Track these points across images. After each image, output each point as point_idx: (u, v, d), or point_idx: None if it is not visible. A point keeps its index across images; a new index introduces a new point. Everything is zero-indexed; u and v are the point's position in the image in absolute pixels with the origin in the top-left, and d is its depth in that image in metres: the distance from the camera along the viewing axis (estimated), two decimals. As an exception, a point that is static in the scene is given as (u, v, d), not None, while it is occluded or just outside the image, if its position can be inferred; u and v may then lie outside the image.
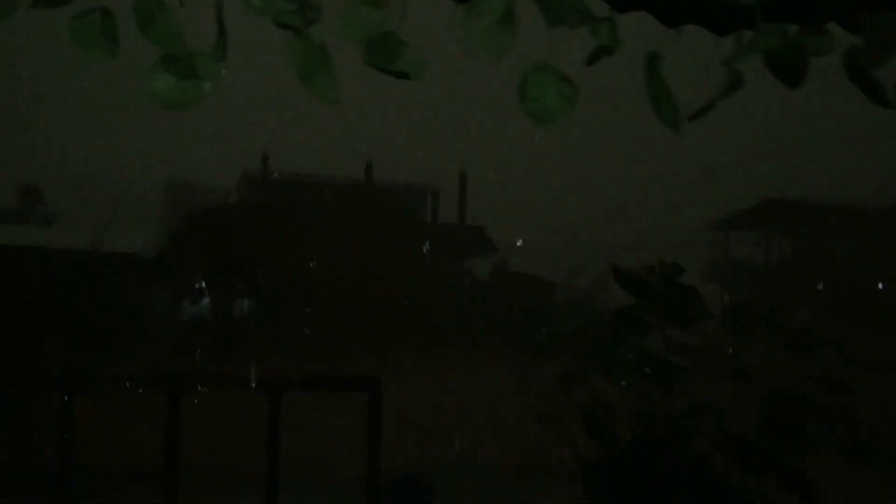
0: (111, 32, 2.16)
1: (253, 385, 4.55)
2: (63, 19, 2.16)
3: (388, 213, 27.22)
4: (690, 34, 2.27)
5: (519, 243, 30.19)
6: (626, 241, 39.76)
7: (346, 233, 25.26)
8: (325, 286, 22.81)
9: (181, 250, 22.71)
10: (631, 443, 3.54)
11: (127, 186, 30.89)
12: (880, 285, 30.38)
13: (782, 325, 3.81)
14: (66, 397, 4.04)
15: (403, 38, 2.19)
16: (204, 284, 23.67)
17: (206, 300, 24.18)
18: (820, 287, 31.79)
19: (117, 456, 12.29)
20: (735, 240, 34.97)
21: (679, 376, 3.56)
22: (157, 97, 2.20)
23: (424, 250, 26.44)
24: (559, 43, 2.20)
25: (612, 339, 3.70)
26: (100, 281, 21.43)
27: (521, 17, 2.19)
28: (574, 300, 26.09)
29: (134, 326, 21.35)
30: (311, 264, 22.71)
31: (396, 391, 13.53)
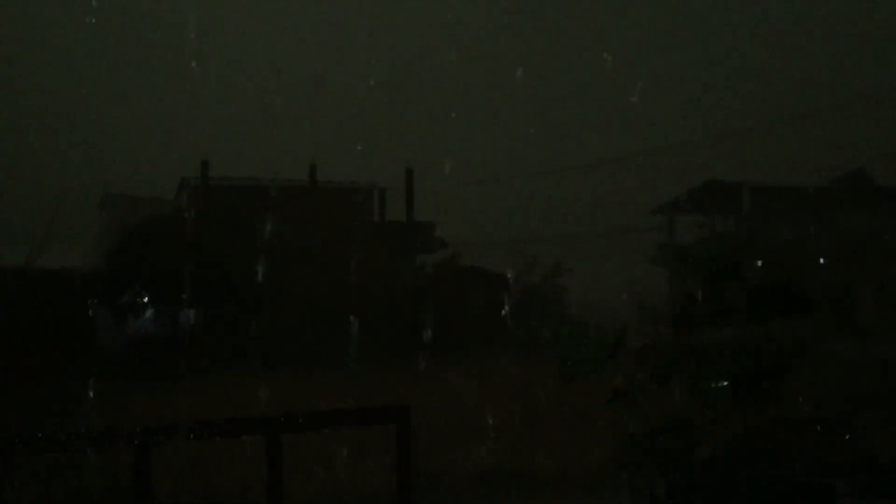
0: None
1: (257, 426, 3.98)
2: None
3: (335, 213, 26.80)
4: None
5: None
6: (575, 230, 39.98)
7: (292, 235, 24.76)
8: (274, 292, 22.30)
9: (121, 263, 21.96)
10: (720, 460, 3.23)
11: (61, 198, 29.86)
12: (822, 261, 31.08)
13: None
14: (143, 449, 3.44)
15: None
16: (146, 297, 22.95)
17: (149, 313, 23.47)
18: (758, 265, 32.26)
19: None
20: (679, 223, 35.43)
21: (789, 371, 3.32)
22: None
23: (372, 248, 26.10)
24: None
25: (695, 347, 3.45)
26: (38, 298, 20.60)
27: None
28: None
29: (80, 343, 20.59)
30: (257, 270, 22.19)
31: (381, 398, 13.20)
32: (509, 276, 28.33)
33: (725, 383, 3.63)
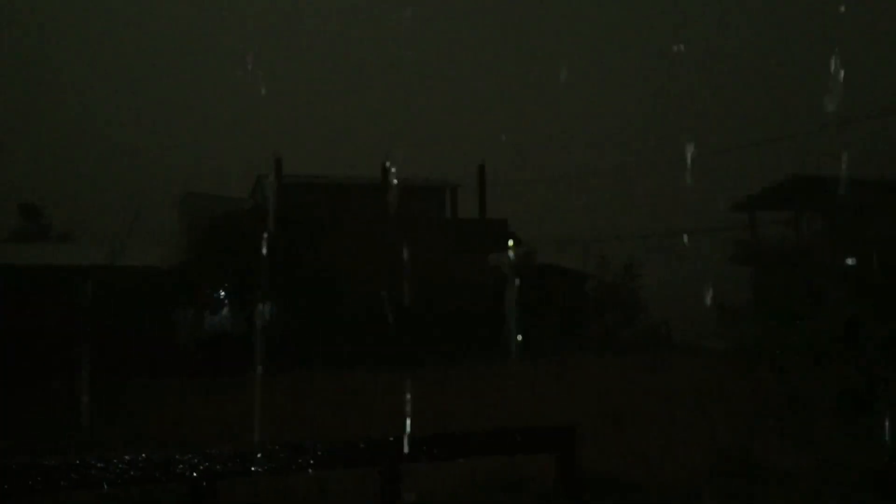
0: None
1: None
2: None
3: (407, 210, 26.66)
4: None
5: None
6: (651, 228, 39.04)
7: (365, 232, 24.73)
8: (347, 290, 22.28)
9: (199, 260, 22.25)
10: None
11: (142, 200, 30.47)
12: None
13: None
14: (206, 489, 2.55)
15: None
16: (223, 295, 23.22)
17: (225, 310, 23.75)
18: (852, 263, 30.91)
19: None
20: (762, 219, 34.15)
21: None
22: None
23: (447, 246, 25.86)
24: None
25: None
26: (121, 294, 21.04)
27: None
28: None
29: (159, 339, 20.95)
30: (331, 267, 22.18)
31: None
32: (584, 274, 27.75)
33: None
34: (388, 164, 28.30)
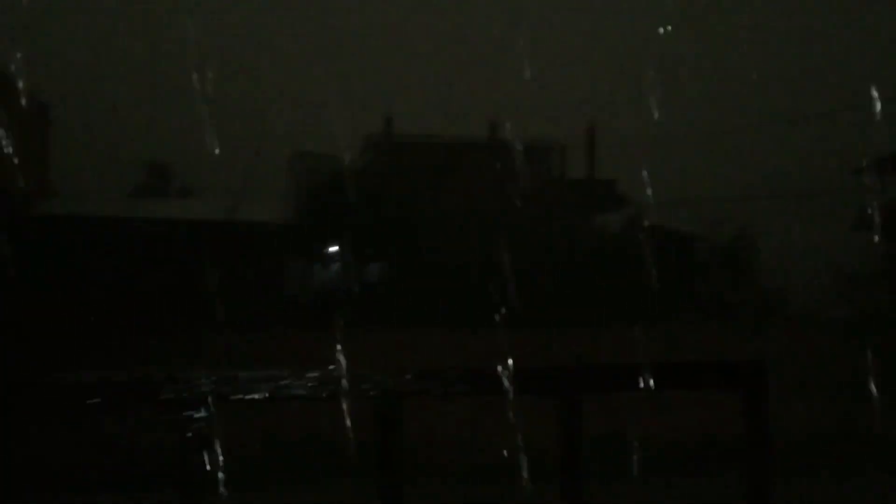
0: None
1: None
2: None
3: (515, 170, 26.51)
4: None
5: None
6: (762, 189, 37.54)
7: (473, 192, 24.76)
8: (455, 249, 22.44)
9: (314, 217, 22.86)
10: None
11: (254, 158, 31.43)
12: None
13: None
14: (392, 408, 2.56)
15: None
16: (341, 250, 23.81)
17: (336, 266, 24.36)
18: None
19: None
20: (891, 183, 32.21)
21: None
22: None
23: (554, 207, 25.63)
24: None
25: None
26: (240, 249, 21.86)
27: None
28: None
29: (273, 293, 21.70)
30: (439, 226, 22.36)
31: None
32: (694, 237, 26.98)
33: None
34: (494, 122, 28.18)
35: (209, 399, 2.57)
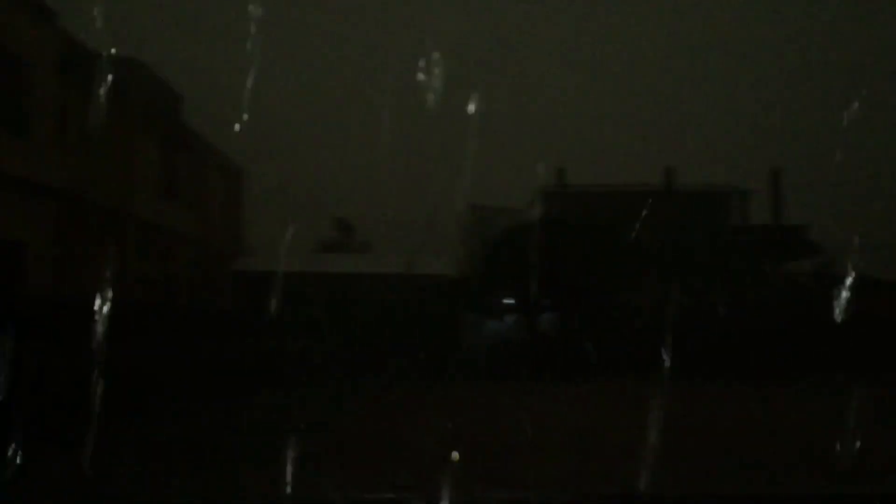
0: None
1: None
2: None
3: (692, 216, 25.67)
4: None
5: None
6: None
7: (650, 241, 24.18)
8: (630, 299, 21.91)
9: (491, 268, 23.15)
10: None
11: (432, 214, 32.45)
12: None
13: None
14: None
15: None
16: (509, 302, 23.91)
17: (510, 318, 24.42)
18: None
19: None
20: None
21: None
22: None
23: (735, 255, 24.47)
24: None
25: None
26: (415, 300, 22.49)
27: None
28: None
29: (447, 343, 22.09)
30: (612, 276, 21.95)
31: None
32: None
33: None
34: (670, 168, 27.49)
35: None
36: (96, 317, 6.33)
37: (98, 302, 6.50)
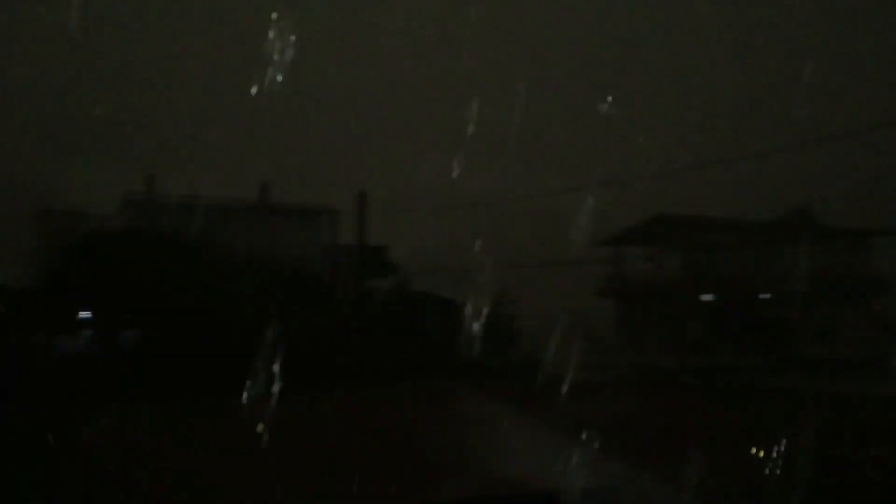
0: None
1: None
2: None
3: (283, 233, 26.36)
4: None
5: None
6: (521, 259, 40.09)
7: (238, 256, 24.19)
8: (218, 313, 21.67)
9: (65, 280, 21.14)
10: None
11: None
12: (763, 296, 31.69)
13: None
14: None
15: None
16: (85, 315, 22.13)
17: (87, 332, 22.61)
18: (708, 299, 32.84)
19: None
20: (627, 255, 35.80)
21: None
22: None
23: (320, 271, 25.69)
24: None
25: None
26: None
27: None
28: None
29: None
30: (202, 292, 21.52)
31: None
32: (458, 302, 28.13)
33: None
34: (265, 184, 27.94)
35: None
36: None
37: None
